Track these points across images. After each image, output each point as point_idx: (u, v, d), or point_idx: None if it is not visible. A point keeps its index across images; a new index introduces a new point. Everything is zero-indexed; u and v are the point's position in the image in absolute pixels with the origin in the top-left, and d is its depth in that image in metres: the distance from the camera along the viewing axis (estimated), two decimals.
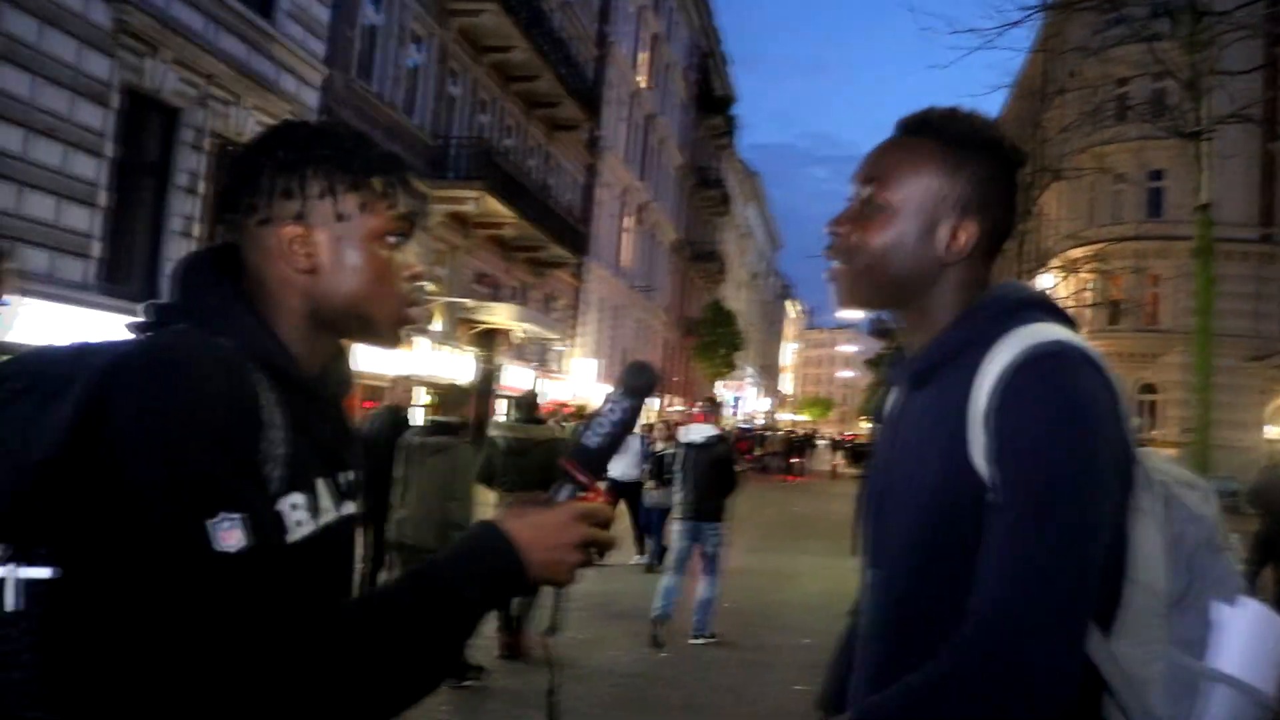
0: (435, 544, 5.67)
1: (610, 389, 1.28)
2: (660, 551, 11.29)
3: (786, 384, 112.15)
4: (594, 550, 1.21)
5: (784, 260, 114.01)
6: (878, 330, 54.50)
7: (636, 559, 11.56)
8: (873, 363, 58.85)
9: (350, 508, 1.27)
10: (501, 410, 22.04)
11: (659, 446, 11.70)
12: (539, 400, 8.63)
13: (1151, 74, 15.35)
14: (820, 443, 61.55)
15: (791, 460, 38.07)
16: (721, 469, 8.09)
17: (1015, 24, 11.84)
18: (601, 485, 1.27)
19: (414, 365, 19.16)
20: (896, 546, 1.32)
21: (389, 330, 1.26)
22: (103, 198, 11.28)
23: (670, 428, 12.53)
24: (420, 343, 19.35)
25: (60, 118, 10.61)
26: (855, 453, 48.20)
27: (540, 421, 7.99)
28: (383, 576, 7.10)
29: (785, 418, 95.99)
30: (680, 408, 47.64)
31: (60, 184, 10.69)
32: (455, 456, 6.01)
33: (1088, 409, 1.17)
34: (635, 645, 7.67)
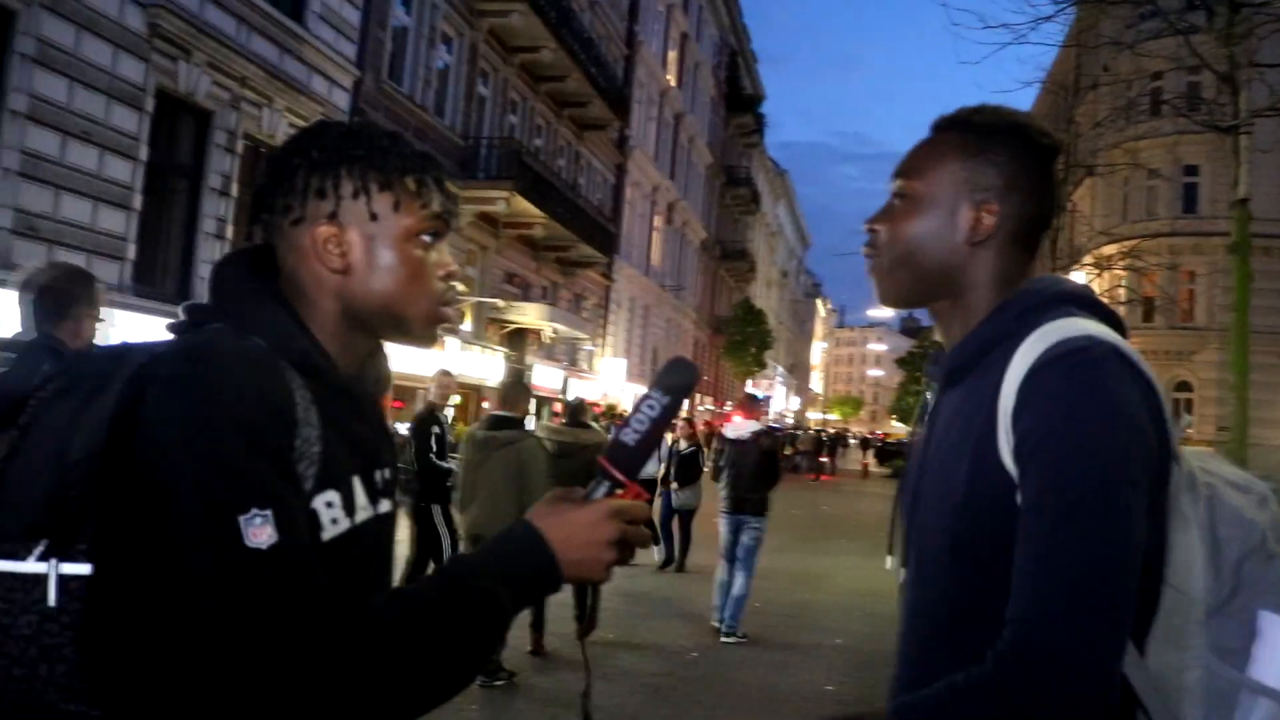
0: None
1: (648, 387, 1.27)
2: (670, 552, 11.23)
3: (816, 383, 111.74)
4: (628, 548, 1.20)
5: (814, 258, 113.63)
6: (908, 328, 54.22)
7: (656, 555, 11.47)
8: (903, 361, 58.46)
9: (386, 505, 1.27)
10: (532, 410, 22.10)
11: (681, 445, 11.62)
12: (587, 406, 8.83)
13: (1186, 67, 15.16)
14: (851, 442, 61.28)
15: (821, 459, 37.90)
16: (767, 463, 8.30)
17: (1048, 18, 11.74)
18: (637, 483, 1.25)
19: (444, 364, 19.27)
20: (929, 546, 1.31)
21: (423, 329, 1.26)
22: (137, 200, 11.43)
23: (692, 426, 12.46)
24: (450, 342, 19.45)
25: (96, 122, 10.75)
26: (884, 452, 47.95)
27: (587, 426, 8.16)
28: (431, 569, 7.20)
29: (815, 416, 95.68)
30: (710, 407, 47.62)
31: (96, 187, 10.84)
32: (522, 449, 6.17)
33: (1115, 406, 1.13)
34: (664, 644, 7.67)
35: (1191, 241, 28.55)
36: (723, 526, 8.35)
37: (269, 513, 0.99)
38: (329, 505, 1.13)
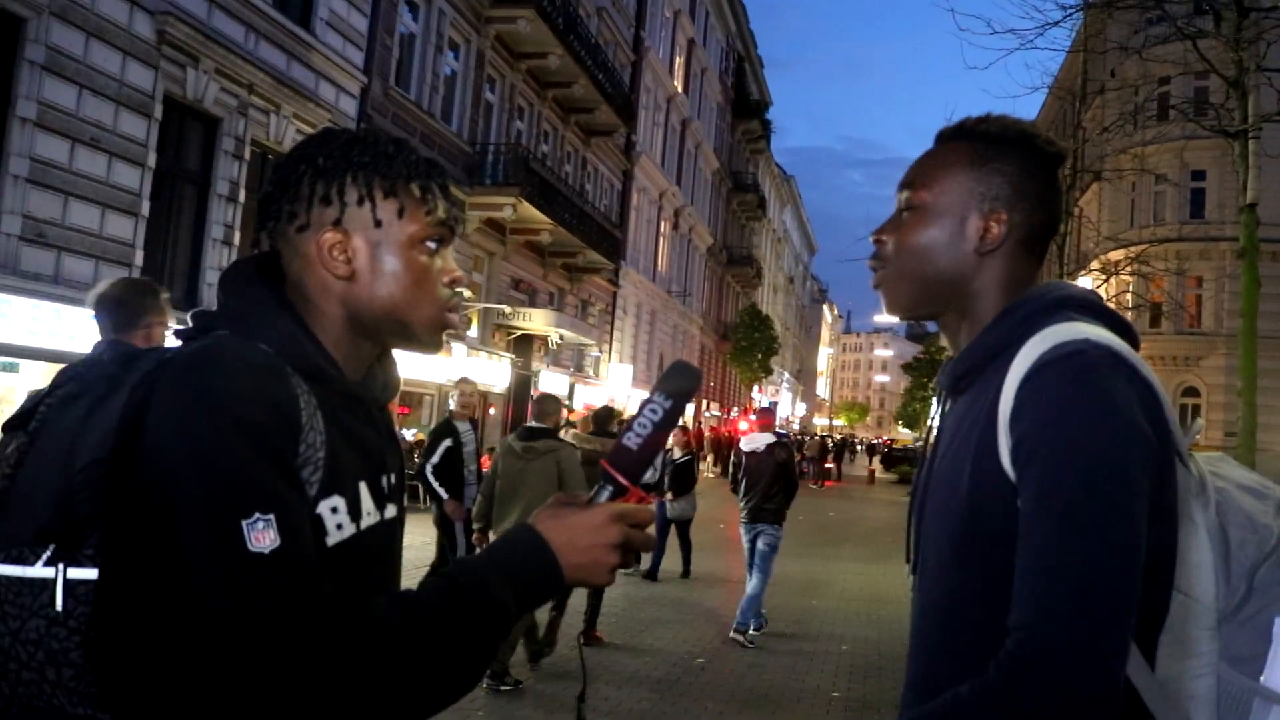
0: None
1: (650, 391, 1.27)
2: (656, 563, 10.98)
3: (822, 388, 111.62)
4: (631, 551, 1.20)
5: (820, 264, 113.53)
6: (914, 334, 54.14)
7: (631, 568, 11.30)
8: (909, 367, 58.38)
9: (393, 510, 1.27)
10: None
11: (676, 454, 11.48)
12: (615, 414, 9.02)
13: (1193, 72, 15.14)
14: (858, 448, 61.18)
15: (826, 465, 37.83)
16: (783, 474, 8.50)
17: (1055, 24, 11.69)
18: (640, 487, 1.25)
19: (450, 371, 19.30)
20: (935, 551, 1.31)
21: (428, 335, 1.27)
22: (145, 207, 11.47)
23: (687, 434, 12.35)
24: (457, 348, 19.47)
25: (104, 128, 10.80)
26: (890, 458, 47.89)
27: (613, 435, 8.33)
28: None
29: (821, 422, 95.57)
30: (716, 413, 47.59)
31: (104, 193, 10.88)
32: (560, 457, 6.41)
33: (1111, 407, 1.12)
34: (671, 649, 7.66)
35: (1199, 247, 28.49)
36: (744, 537, 8.56)
37: (271, 517, 1.00)
38: (334, 511, 1.13)
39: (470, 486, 7.54)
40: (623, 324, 33.13)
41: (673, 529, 11.34)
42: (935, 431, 1.44)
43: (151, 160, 11.51)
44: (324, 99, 14.95)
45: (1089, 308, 1.29)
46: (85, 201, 10.65)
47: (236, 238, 13.00)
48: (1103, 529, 1.08)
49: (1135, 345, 1.23)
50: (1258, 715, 1.12)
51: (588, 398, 26.25)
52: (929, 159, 1.41)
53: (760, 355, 45.73)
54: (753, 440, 8.81)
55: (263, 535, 0.99)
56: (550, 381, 25.43)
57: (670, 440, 11.63)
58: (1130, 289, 23.84)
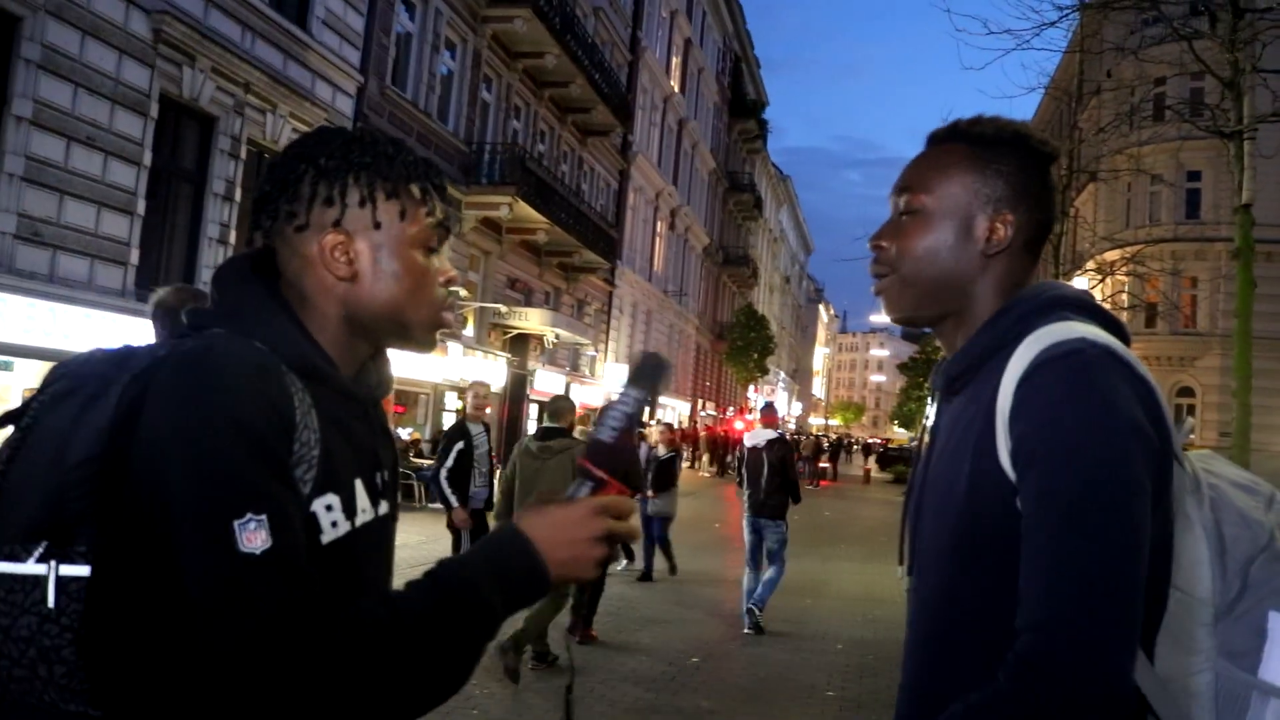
0: None
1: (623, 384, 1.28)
2: (649, 563, 10.91)
3: (818, 388, 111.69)
4: (616, 543, 1.21)
5: (816, 264, 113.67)
6: (910, 334, 54.17)
7: (624, 566, 11.09)
8: (905, 366, 58.44)
9: (385, 507, 1.28)
10: (533, 416, 22.13)
11: (660, 451, 11.44)
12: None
13: (1189, 73, 15.14)
14: (854, 448, 61.23)
15: (821, 464, 37.84)
16: (784, 469, 8.82)
17: (1051, 24, 11.69)
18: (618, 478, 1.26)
19: (445, 370, 19.29)
20: (932, 552, 1.31)
21: (424, 335, 1.28)
22: (140, 205, 11.45)
23: (670, 431, 12.34)
24: (453, 348, 19.46)
25: (100, 127, 10.78)
26: (886, 457, 47.92)
27: None
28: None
29: (817, 422, 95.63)
30: (712, 412, 47.60)
31: (99, 192, 10.87)
32: (575, 455, 6.54)
33: (1111, 406, 1.12)
34: (666, 648, 7.67)
35: (1194, 247, 28.54)
36: (745, 529, 8.92)
37: (264, 517, 1.00)
38: (328, 509, 1.13)
39: (480, 489, 7.61)
40: (618, 323, 33.13)
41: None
42: (930, 432, 1.44)
43: (147, 159, 11.49)
44: (320, 98, 14.94)
45: (1083, 307, 1.29)
46: (81, 200, 10.64)
47: (232, 237, 12.99)
48: (1106, 528, 1.08)
49: (1126, 344, 1.24)
50: (1255, 709, 1.13)
51: (584, 397, 26.24)
52: (926, 162, 1.40)
53: (756, 355, 45.76)
54: (755, 436, 9.14)
55: (254, 536, 0.99)
56: (546, 381, 25.43)
57: (655, 436, 11.68)
58: (1126, 289, 23.88)
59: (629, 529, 1.23)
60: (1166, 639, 1.14)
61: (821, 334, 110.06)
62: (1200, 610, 1.14)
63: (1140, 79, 18.22)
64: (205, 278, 12.58)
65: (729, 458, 33.90)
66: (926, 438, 1.45)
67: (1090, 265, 22.54)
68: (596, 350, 30.32)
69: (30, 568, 1.03)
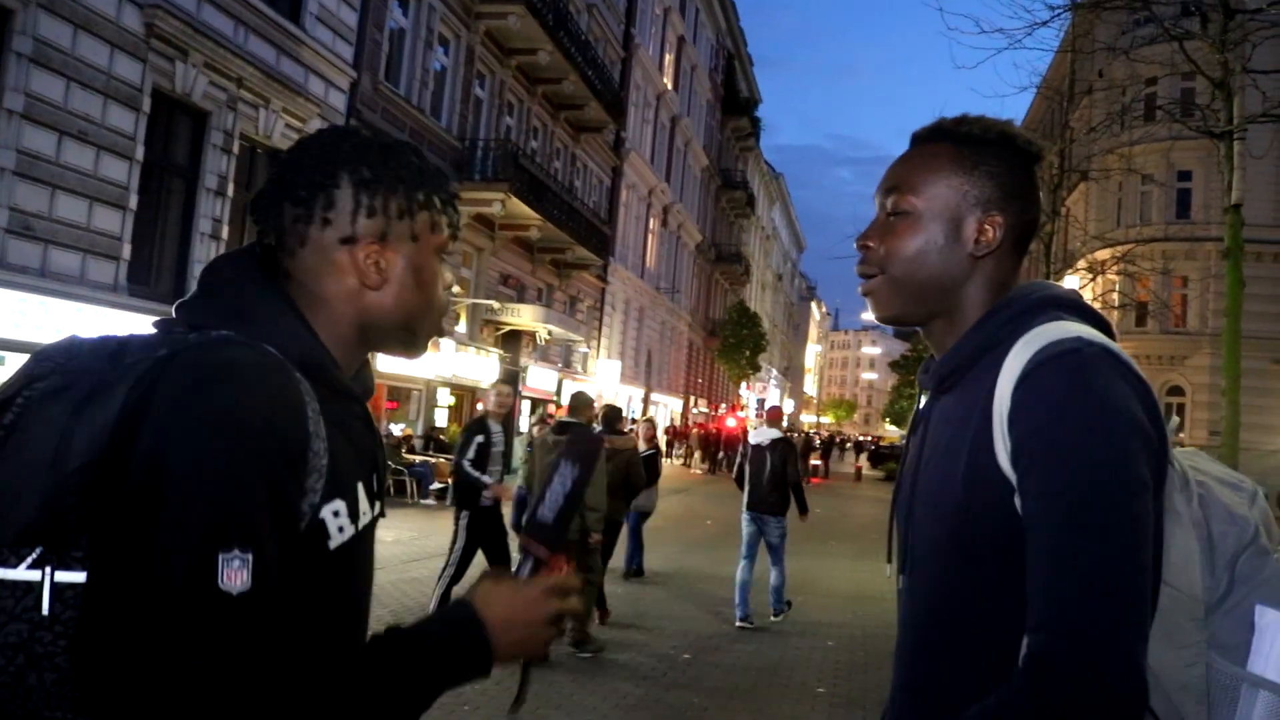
0: (577, 530, 6.96)
1: (562, 459, 1.33)
2: (635, 559, 10.86)
3: (810, 386, 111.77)
4: (562, 620, 1.27)
5: (808, 262, 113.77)
6: (902, 332, 54.26)
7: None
8: (896, 364, 58.53)
9: (379, 507, 1.28)
10: (525, 413, 22.11)
11: (642, 448, 11.42)
12: (621, 413, 9.43)
13: (1180, 73, 15.21)
14: (846, 445, 61.35)
15: (813, 462, 37.85)
16: (784, 469, 9.00)
17: (1043, 24, 11.73)
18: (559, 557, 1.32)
19: (438, 367, 19.29)
20: (926, 552, 1.31)
21: (425, 341, 1.30)
22: (132, 200, 11.42)
23: (652, 428, 12.36)
24: (445, 344, 19.45)
25: (92, 121, 10.75)
26: (877, 455, 48.00)
27: (621, 433, 8.93)
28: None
29: (809, 419, 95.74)
30: (704, 410, 47.61)
31: (91, 187, 10.84)
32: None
33: (1111, 404, 1.13)
34: (657, 646, 7.68)
35: (1184, 247, 28.62)
36: (744, 524, 9.09)
37: (249, 556, 0.99)
38: (335, 515, 1.13)
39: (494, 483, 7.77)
40: (611, 320, 33.14)
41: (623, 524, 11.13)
42: (920, 430, 1.43)
43: (140, 154, 11.47)
44: (313, 93, 14.92)
45: (1073, 307, 1.30)
46: (73, 195, 10.61)
47: (225, 232, 12.97)
48: (1110, 527, 1.09)
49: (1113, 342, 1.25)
50: (1245, 700, 1.14)
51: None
52: (912, 162, 1.39)
53: (748, 352, 45.84)
54: (760, 434, 9.39)
55: (235, 575, 0.98)
56: (538, 377, 25.43)
57: (639, 432, 11.74)
58: (1116, 288, 23.98)
59: (574, 607, 1.29)
60: (1158, 634, 1.14)
61: (813, 331, 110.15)
62: (1191, 606, 1.15)
63: (1131, 79, 18.30)
64: (197, 273, 12.54)
65: (720, 455, 33.94)
66: (916, 436, 1.44)
67: (1081, 264, 22.64)
68: (589, 347, 30.31)
69: (22, 574, 0.99)
